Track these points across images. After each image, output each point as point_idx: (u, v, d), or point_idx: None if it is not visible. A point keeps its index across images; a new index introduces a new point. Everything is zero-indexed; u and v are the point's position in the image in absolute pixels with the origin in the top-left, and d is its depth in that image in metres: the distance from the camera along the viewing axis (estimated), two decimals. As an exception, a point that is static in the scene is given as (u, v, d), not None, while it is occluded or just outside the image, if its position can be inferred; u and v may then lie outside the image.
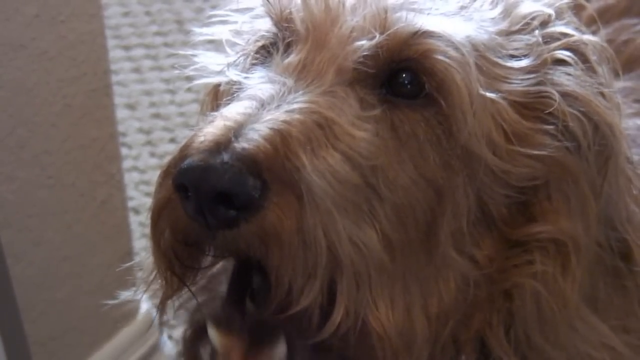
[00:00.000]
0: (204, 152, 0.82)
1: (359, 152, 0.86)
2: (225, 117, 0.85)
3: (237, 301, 0.90)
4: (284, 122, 0.84)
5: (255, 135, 0.82)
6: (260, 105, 0.86)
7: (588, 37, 0.99)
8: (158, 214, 0.88)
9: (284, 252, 0.82)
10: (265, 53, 1.00)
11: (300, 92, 0.88)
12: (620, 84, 1.09)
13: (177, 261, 0.90)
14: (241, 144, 0.82)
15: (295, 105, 0.86)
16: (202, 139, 0.84)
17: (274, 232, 0.81)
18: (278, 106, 0.86)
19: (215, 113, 0.89)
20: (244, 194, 0.80)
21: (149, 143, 2.65)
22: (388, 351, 0.89)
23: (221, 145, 0.82)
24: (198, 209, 0.82)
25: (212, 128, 0.85)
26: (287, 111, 0.85)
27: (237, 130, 0.83)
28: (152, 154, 2.61)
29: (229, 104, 0.91)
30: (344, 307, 0.85)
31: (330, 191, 0.83)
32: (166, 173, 0.88)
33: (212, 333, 0.91)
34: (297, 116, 0.85)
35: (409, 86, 0.92)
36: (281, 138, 0.83)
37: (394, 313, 0.89)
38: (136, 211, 2.37)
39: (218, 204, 0.80)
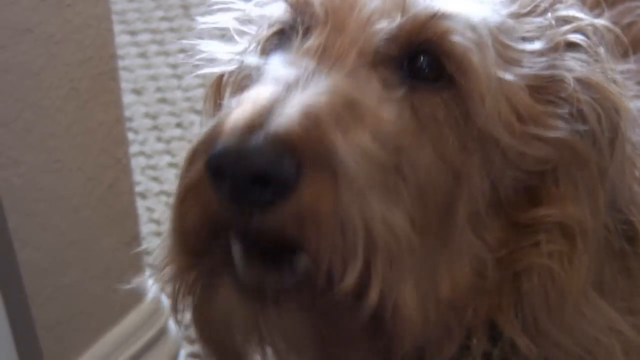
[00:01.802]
0: (237, 135, 0.82)
1: (385, 133, 0.86)
2: (253, 100, 0.85)
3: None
4: (313, 103, 0.84)
5: (287, 117, 0.82)
6: (286, 87, 0.86)
7: (598, 20, 0.99)
8: (184, 196, 0.88)
9: (321, 232, 0.81)
10: (281, 38, 1.00)
11: (324, 75, 0.88)
12: (623, 66, 1.09)
13: (199, 244, 0.89)
14: (274, 126, 0.81)
15: (321, 87, 0.86)
16: (233, 121, 0.83)
17: (311, 212, 0.81)
18: (304, 88, 0.86)
19: (239, 97, 0.88)
20: (280, 175, 0.80)
21: (155, 128, 2.65)
22: (410, 333, 0.89)
23: (254, 127, 0.81)
24: (234, 192, 0.81)
25: (242, 111, 0.84)
26: (314, 93, 0.85)
27: (267, 113, 0.83)
28: (159, 139, 2.61)
29: (248, 88, 0.91)
30: (380, 288, 0.85)
31: (362, 171, 0.83)
32: (195, 154, 0.87)
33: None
34: (324, 98, 0.85)
35: (428, 69, 0.92)
36: (312, 120, 0.83)
37: (418, 295, 0.89)
38: (143, 196, 2.38)
39: (255, 186, 0.80)
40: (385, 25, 0.91)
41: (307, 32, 0.95)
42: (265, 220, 0.82)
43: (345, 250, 0.82)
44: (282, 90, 0.85)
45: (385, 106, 0.88)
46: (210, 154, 0.82)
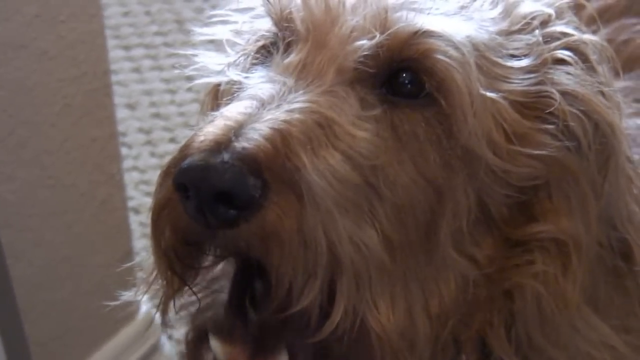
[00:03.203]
0: (204, 151, 0.82)
1: (359, 152, 0.86)
2: (226, 117, 0.85)
3: (239, 308, 0.90)
4: (285, 121, 0.84)
5: (256, 135, 0.82)
6: (260, 104, 0.87)
7: (588, 37, 0.99)
8: (158, 214, 0.89)
9: (284, 251, 0.82)
10: (265, 53, 1.00)
11: (301, 92, 0.88)
12: (620, 83, 1.09)
13: (178, 260, 0.90)
14: (241, 144, 0.82)
15: (296, 105, 0.86)
16: (202, 138, 0.84)
17: (274, 232, 0.81)
18: (278, 106, 0.86)
19: (216, 113, 0.89)
20: (244, 193, 0.80)
21: (149, 143, 2.65)
22: (387, 351, 0.89)
23: (221, 144, 0.82)
24: (198, 208, 0.82)
25: (213, 128, 0.85)
26: (287, 111, 0.85)
27: (237, 130, 0.83)
28: (152, 154, 2.61)
29: (229, 103, 0.92)
30: (344, 306, 0.85)
31: (330, 191, 0.83)
32: (166, 173, 0.88)
33: (215, 343, 0.91)
34: (297, 116, 0.85)
35: (409, 86, 0.92)
36: (281, 138, 0.83)
37: (395, 313, 0.89)
38: (136, 211, 2.37)
39: (218, 203, 0.80)
40: (365, 42, 0.91)
41: (288, 47, 0.95)
42: (229, 237, 0.82)
43: (306, 270, 0.83)
44: (256, 107, 0.86)
45: (361, 124, 0.88)
46: (176, 171, 0.83)
